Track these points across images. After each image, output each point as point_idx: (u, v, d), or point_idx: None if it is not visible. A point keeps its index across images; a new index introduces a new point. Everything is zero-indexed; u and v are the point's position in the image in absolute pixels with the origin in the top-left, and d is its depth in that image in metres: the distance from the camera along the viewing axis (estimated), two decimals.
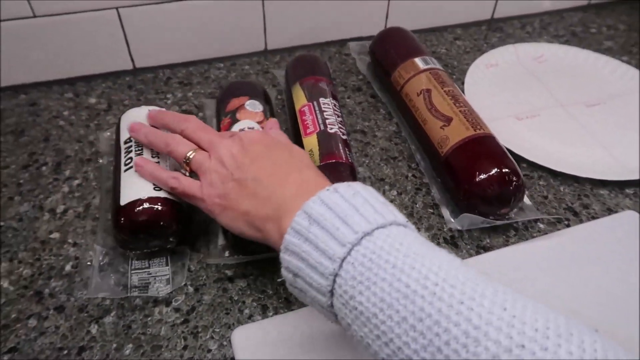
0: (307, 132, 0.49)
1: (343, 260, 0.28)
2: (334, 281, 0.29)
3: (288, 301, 0.41)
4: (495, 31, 0.73)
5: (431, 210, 0.49)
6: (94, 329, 0.40)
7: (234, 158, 0.38)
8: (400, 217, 0.31)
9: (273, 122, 0.45)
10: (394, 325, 0.26)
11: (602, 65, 0.66)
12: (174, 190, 0.40)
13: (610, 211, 0.49)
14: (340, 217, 0.30)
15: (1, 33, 0.56)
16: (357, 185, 0.32)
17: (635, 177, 0.51)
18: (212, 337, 0.39)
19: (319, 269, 0.29)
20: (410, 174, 0.52)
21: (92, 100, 0.60)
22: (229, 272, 0.43)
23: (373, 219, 0.29)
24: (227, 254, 0.43)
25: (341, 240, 0.29)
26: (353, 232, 0.29)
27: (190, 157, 0.40)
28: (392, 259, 0.27)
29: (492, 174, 0.44)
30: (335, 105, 0.52)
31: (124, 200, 0.41)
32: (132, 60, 0.63)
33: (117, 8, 0.58)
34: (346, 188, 0.32)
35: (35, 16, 0.56)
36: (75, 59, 0.61)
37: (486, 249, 0.46)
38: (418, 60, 0.55)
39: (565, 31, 0.73)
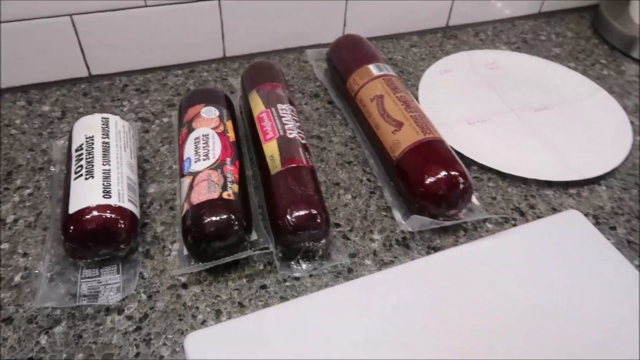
0: (267, 138, 0.49)
1: None
2: None
3: (242, 305, 0.42)
4: (450, 38, 0.75)
5: (384, 213, 0.50)
6: (43, 339, 0.39)
7: None
8: None
9: None
10: None
11: (551, 72, 0.69)
12: None
13: (554, 210, 0.51)
14: None
15: None
16: None
17: (577, 177, 0.53)
18: (164, 344, 0.39)
19: None
20: (364, 178, 0.53)
21: (46, 108, 0.59)
22: (182, 279, 0.43)
23: None
24: (191, 262, 0.43)
25: None
26: None
27: None
28: None
29: (440, 177, 0.46)
30: (292, 110, 0.53)
31: (72, 208, 0.41)
32: (88, 67, 0.63)
33: (70, 15, 0.57)
34: None
35: None
36: (29, 66, 0.60)
37: (436, 249, 0.47)
38: (372, 67, 0.57)
39: (517, 38, 0.76)
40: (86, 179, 0.43)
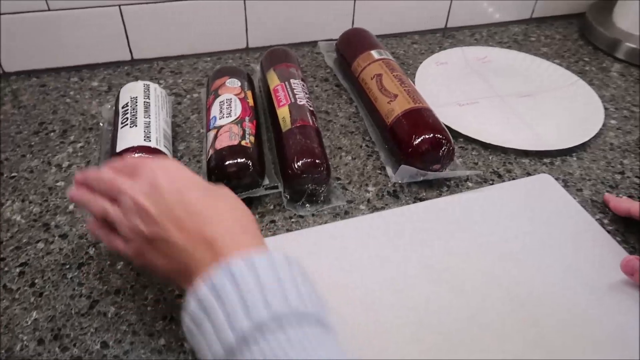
0: (280, 104, 0.58)
1: (233, 346, 0.28)
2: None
3: None
4: (448, 38, 0.84)
5: (379, 171, 0.58)
6: (91, 250, 0.48)
7: (143, 211, 0.34)
8: (309, 304, 0.29)
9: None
10: None
11: (537, 65, 0.77)
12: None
13: (529, 175, 0.59)
14: (240, 295, 0.28)
15: (19, 24, 0.66)
16: (275, 257, 0.31)
17: (551, 148, 0.61)
18: None
19: (211, 345, 0.28)
20: (364, 144, 0.62)
21: (95, 84, 0.70)
22: None
23: (273, 304, 0.28)
24: None
25: (234, 325, 0.27)
26: (248, 320, 0.27)
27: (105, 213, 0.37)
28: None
29: (426, 137, 0.54)
30: (303, 85, 0.62)
31: (119, 148, 0.50)
32: (131, 51, 0.73)
33: (119, 5, 0.68)
34: (257, 258, 0.30)
35: (49, 9, 0.66)
36: (82, 49, 0.71)
37: (422, 200, 0.55)
38: (374, 52, 0.66)
39: (509, 39, 0.84)
40: (130, 127, 0.52)
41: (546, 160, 0.61)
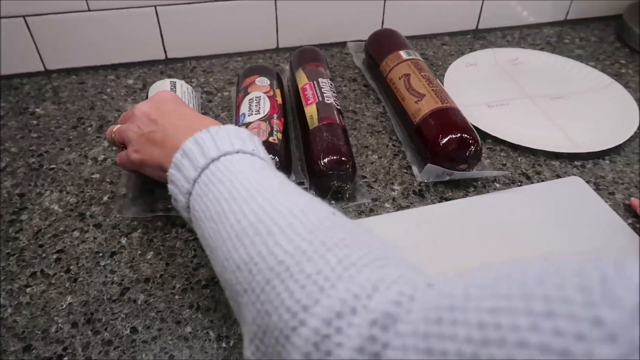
0: (308, 102, 0.59)
1: (194, 181, 0.36)
2: (189, 197, 0.37)
3: None
4: (479, 39, 0.83)
5: (405, 170, 0.58)
6: (123, 240, 0.50)
7: (146, 116, 0.43)
8: (249, 147, 0.38)
9: None
10: (222, 228, 0.32)
11: (570, 67, 0.75)
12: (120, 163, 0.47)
13: (559, 177, 0.58)
14: (201, 149, 0.37)
15: (61, 24, 0.69)
16: (229, 127, 0.39)
17: (582, 150, 0.59)
18: None
19: (181, 189, 0.37)
20: (390, 144, 0.62)
21: (130, 81, 0.72)
22: None
23: (222, 148, 0.37)
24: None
25: (195, 165, 0.37)
26: (204, 159, 0.36)
27: (114, 130, 0.47)
28: (226, 178, 0.35)
29: (453, 136, 0.53)
30: (331, 85, 0.62)
31: None
32: (165, 51, 0.75)
33: (155, 6, 0.70)
34: (217, 128, 0.39)
35: (89, 10, 0.69)
36: (118, 48, 0.73)
37: (448, 200, 0.54)
38: (402, 53, 0.66)
39: (542, 41, 0.83)
40: None
41: (577, 163, 0.59)
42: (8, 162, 0.58)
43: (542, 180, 0.57)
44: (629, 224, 0.51)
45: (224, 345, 0.41)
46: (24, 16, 0.67)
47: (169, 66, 0.75)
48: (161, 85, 0.60)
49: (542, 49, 0.81)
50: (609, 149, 0.60)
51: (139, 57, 0.75)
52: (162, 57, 0.76)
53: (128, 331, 0.42)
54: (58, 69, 0.73)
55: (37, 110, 0.66)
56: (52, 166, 0.58)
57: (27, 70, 0.72)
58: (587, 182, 0.56)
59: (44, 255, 0.48)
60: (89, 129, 0.63)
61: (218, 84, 0.72)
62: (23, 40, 0.69)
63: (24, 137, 0.62)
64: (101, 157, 0.59)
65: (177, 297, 0.45)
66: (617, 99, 0.69)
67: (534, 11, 0.85)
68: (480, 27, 0.85)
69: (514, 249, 0.48)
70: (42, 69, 0.73)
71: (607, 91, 0.70)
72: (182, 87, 0.60)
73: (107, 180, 0.56)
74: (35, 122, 0.64)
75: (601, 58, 0.79)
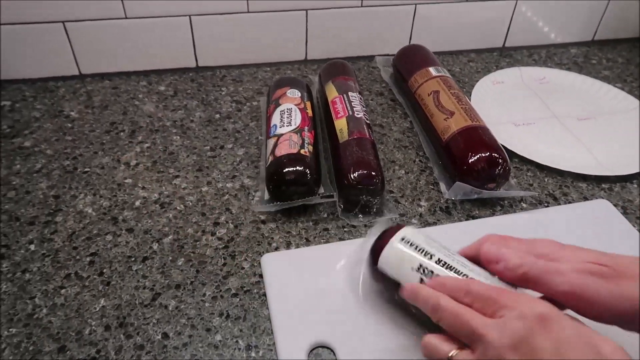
0: (338, 116, 0.60)
1: None
2: None
3: (307, 240, 0.52)
4: (505, 57, 0.83)
5: (432, 187, 0.58)
6: (155, 245, 0.51)
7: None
8: None
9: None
10: None
11: (598, 88, 0.75)
12: None
13: (586, 200, 0.58)
14: None
15: (98, 30, 0.70)
16: None
17: (610, 173, 0.59)
18: (245, 259, 0.49)
19: None
20: (417, 159, 0.62)
21: (162, 88, 0.74)
22: (262, 217, 0.54)
23: None
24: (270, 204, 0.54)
25: None
26: None
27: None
28: None
29: (482, 155, 0.54)
30: (360, 99, 0.63)
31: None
32: (196, 59, 0.77)
33: (189, 15, 0.72)
34: None
35: (126, 17, 0.70)
36: (151, 55, 0.75)
37: (475, 218, 0.55)
38: (431, 69, 0.67)
39: (568, 61, 0.83)
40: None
41: (604, 186, 0.59)
42: (44, 163, 0.60)
43: (569, 202, 0.57)
44: None
45: (253, 355, 0.42)
46: (63, 22, 0.69)
47: (199, 74, 0.77)
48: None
49: (569, 69, 0.81)
50: (637, 173, 0.60)
51: (170, 64, 0.77)
52: (193, 65, 0.77)
53: (159, 336, 0.43)
54: (92, 73, 0.75)
55: (72, 113, 0.68)
56: (86, 169, 0.59)
57: (63, 74, 0.74)
58: (615, 205, 0.56)
59: (78, 257, 0.49)
60: (122, 134, 0.65)
61: (247, 93, 0.73)
62: (60, 44, 0.71)
63: (58, 140, 0.63)
64: (133, 162, 0.60)
65: (207, 304, 0.46)
66: None
67: (561, 30, 0.86)
68: (507, 45, 0.85)
69: None
70: (76, 72, 0.74)
71: (634, 114, 0.70)
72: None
73: (139, 185, 0.57)
74: (69, 125, 0.66)
75: (629, 80, 0.79)
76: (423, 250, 0.39)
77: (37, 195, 0.56)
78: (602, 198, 0.58)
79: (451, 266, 0.38)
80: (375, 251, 0.41)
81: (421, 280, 0.38)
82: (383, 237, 0.42)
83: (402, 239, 0.41)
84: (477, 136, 0.56)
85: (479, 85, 0.74)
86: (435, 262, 0.39)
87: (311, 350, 0.42)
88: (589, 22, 0.85)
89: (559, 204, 0.57)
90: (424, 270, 0.38)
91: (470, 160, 0.54)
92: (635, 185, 0.60)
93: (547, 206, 0.57)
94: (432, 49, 0.75)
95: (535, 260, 0.36)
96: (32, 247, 0.50)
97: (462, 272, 0.38)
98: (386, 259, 0.41)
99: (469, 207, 0.56)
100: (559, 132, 0.67)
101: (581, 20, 0.85)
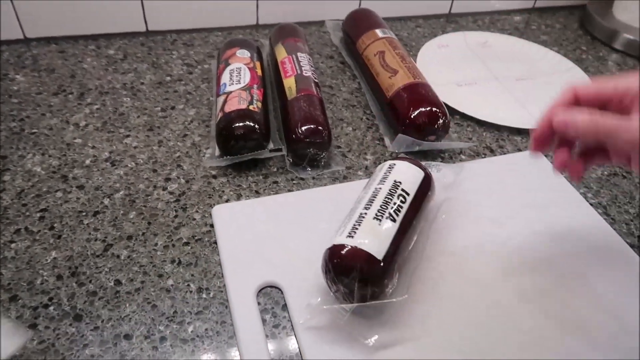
0: (287, 75, 0.61)
1: None
2: None
3: (257, 193, 0.53)
4: (451, 23, 0.87)
5: (377, 142, 0.61)
6: (106, 201, 0.51)
7: None
8: None
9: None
10: None
11: (536, 52, 0.80)
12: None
13: (520, 151, 0.62)
14: None
15: None
16: None
17: None
18: (196, 211, 0.51)
19: None
20: (364, 117, 0.65)
21: (111, 52, 0.73)
22: (213, 172, 0.55)
23: None
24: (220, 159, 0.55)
25: None
26: None
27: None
28: None
29: (424, 109, 0.57)
30: (309, 59, 0.65)
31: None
32: (146, 23, 0.76)
33: None
34: None
35: None
36: (99, 19, 0.74)
37: None
38: (378, 31, 0.69)
39: (510, 26, 0.87)
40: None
41: None
42: None
43: (505, 154, 0.61)
44: (580, 193, 0.56)
45: (204, 296, 0.44)
46: None
47: (150, 38, 0.76)
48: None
49: (510, 34, 0.85)
50: None
51: (119, 28, 0.76)
52: (143, 29, 0.77)
53: (112, 283, 0.44)
54: (37, 37, 0.74)
55: (17, 77, 0.67)
56: (33, 130, 0.59)
57: (7, 37, 0.72)
58: (546, 155, 0.60)
59: (27, 213, 0.50)
60: (70, 96, 0.64)
61: (198, 56, 0.74)
62: (3, 7, 0.69)
63: (4, 102, 0.62)
64: (83, 123, 0.60)
65: (159, 253, 0.47)
66: (576, 82, 0.73)
67: None
68: (452, 11, 0.88)
69: (477, 215, 0.52)
70: (21, 36, 0.73)
71: (568, 74, 0.75)
72: None
73: (89, 144, 0.58)
74: (15, 87, 0.65)
75: (564, 44, 0.83)
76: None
77: None
78: None
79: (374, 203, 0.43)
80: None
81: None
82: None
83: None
84: (418, 92, 0.59)
85: (424, 49, 0.77)
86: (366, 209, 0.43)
87: (260, 290, 0.44)
88: None
89: (495, 155, 0.61)
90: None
91: (412, 115, 0.57)
92: None
93: (484, 157, 0.60)
94: (382, 14, 0.77)
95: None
96: None
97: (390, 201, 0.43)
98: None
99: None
100: (498, 92, 0.71)
101: None
